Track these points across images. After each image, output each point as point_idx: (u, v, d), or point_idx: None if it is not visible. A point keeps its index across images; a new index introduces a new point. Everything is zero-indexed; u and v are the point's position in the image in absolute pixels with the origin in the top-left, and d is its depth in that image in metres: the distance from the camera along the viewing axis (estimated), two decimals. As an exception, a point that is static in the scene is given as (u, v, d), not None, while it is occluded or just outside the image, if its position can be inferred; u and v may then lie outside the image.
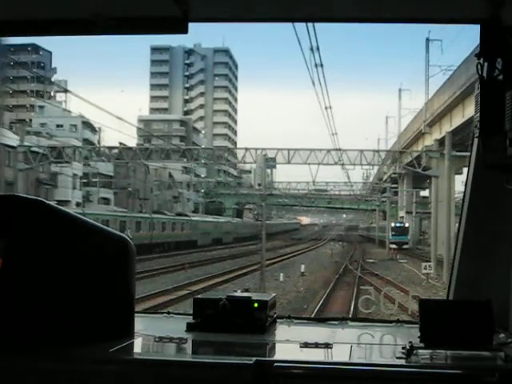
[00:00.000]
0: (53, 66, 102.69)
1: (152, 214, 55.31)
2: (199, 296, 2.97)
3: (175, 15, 2.39)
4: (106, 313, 2.55)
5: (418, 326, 2.46)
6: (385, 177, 73.30)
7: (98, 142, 63.87)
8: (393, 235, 59.04)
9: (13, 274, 2.45)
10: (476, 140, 2.67)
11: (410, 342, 2.38)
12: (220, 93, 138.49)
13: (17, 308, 2.45)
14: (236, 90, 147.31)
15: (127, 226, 47.10)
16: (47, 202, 2.61)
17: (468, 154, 3.00)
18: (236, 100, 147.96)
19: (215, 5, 2.44)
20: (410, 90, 68.71)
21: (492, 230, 2.86)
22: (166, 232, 54.19)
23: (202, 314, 2.80)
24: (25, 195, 2.63)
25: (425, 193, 72.81)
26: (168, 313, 3.19)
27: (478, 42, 2.52)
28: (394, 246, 55.48)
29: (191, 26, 2.47)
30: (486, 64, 2.51)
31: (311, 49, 14.69)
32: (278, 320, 3.01)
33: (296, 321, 3.07)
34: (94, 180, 60.67)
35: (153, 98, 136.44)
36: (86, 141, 69.48)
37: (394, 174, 64.77)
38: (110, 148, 49.87)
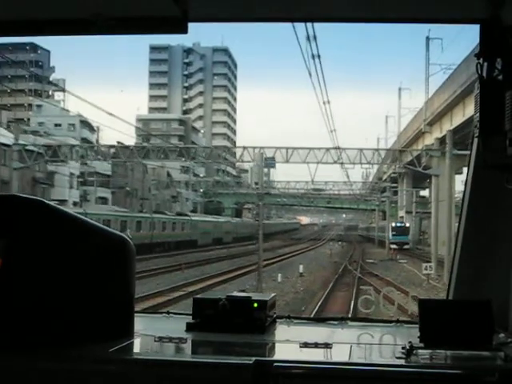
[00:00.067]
0: (51, 64, 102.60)
1: (152, 213, 55.46)
2: (199, 296, 2.97)
3: (175, 15, 2.39)
4: (106, 313, 2.54)
5: (417, 325, 2.44)
6: (384, 176, 73.11)
7: (97, 142, 63.50)
8: (393, 235, 58.66)
9: (13, 274, 2.44)
10: (476, 140, 2.66)
11: (410, 342, 2.37)
12: (219, 92, 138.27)
13: (17, 308, 2.44)
14: (235, 89, 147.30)
15: (128, 225, 47.33)
16: (47, 202, 2.60)
17: (469, 152, 2.97)
18: (235, 99, 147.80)
19: (215, 5, 2.45)
20: (409, 88, 68.70)
21: (492, 229, 2.86)
22: (166, 232, 54.41)
23: (202, 314, 2.80)
24: (25, 195, 2.63)
25: (424, 192, 72.67)
26: (168, 313, 3.18)
27: (478, 40, 2.52)
28: (394, 247, 55.14)
29: (190, 24, 2.48)
30: (485, 64, 2.50)
31: (307, 38, 14.21)
32: (277, 320, 3.01)
33: (296, 321, 3.07)
34: (91, 179, 60.32)
35: (152, 98, 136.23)
36: (84, 140, 69.09)
37: (394, 173, 64.62)
38: (106, 146, 49.57)
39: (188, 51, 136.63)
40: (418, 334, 2.42)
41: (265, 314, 2.80)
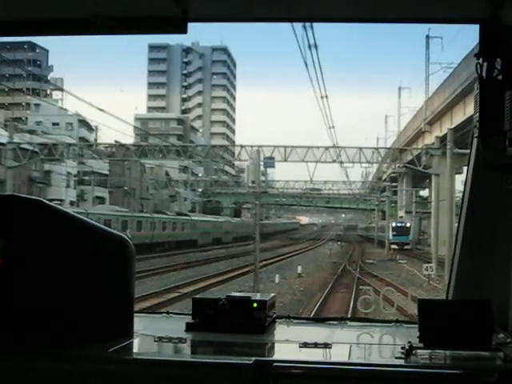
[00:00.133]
0: (49, 63, 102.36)
1: (153, 213, 55.66)
2: (198, 296, 2.98)
3: (175, 15, 2.40)
4: (106, 313, 2.54)
5: (417, 325, 2.44)
6: (384, 176, 72.85)
7: (95, 141, 63.18)
8: (394, 235, 58.24)
9: (12, 274, 2.45)
10: (475, 140, 2.66)
11: (409, 342, 2.37)
12: (218, 91, 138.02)
13: (16, 308, 2.44)
14: (234, 88, 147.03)
15: (129, 225, 47.51)
16: (47, 202, 2.60)
17: (469, 151, 2.96)
18: (234, 98, 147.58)
19: (215, 5, 2.46)
20: (409, 88, 68.34)
21: (492, 229, 2.86)
22: (166, 231, 54.62)
23: (202, 314, 2.80)
24: (24, 195, 2.62)
25: (424, 192, 72.36)
26: (167, 313, 3.18)
27: (478, 39, 2.52)
28: (394, 247, 54.72)
29: (190, 24, 2.47)
30: (485, 64, 2.50)
31: (304, 26, 13.70)
32: (277, 320, 3.01)
33: (295, 321, 3.08)
34: (85, 178, 60.00)
35: (150, 97, 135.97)
36: (82, 139, 68.82)
37: (394, 173, 64.44)
38: (101, 144, 49.18)
39: (187, 50, 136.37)
40: (418, 334, 2.41)
41: (264, 314, 2.81)
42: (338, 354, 2.45)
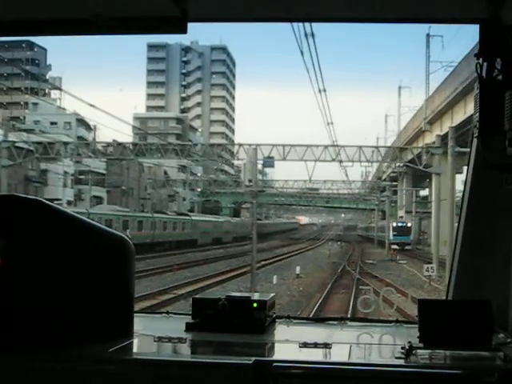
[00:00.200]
0: (48, 62, 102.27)
1: (153, 213, 55.97)
2: (198, 296, 2.98)
3: (174, 15, 2.41)
4: (106, 312, 2.55)
5: (417, 325, 2.44)
6: (384, 176, 72.53)
7: (93, 140, 62.87)
8: (394, 235, 57.78)
9: (12, 274, 2.45)
10: (475, 140, 2.67)
11: (409, 342, 2.37)
12: (217, 91, 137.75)
13: (16, 308, 2.45)
14: (233, 87, 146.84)
15: (130, 225, 47.90)
16: (46, 202, 2.59)
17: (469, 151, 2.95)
18: (233, 98, 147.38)
19: (214, 5, 2.46)
20: (409, 87, 68.08)
21: (492, 229, 2.85)
22: (167, 231, 54.89)
23: (201, 314, 2.80)
24: (24, 195, 2.63)
25: (423, 192, 72.07)
26: (167, 313, 3.18)
27: (478, 37, 2.51)
28: (395, 247, 54.26)
29: (189, 23, 2.48)
30: (485, 64, 2.51)
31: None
32: (277, 320, 3.01)
33: (295, 321, 3.08)
34: (81, 177, 59.73)
35: (149, 96, 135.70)
36: (81, 138, 68.55)
37: (394, 172, 64.13)
38: (98, 143, 48.83)
39: (186, 49, 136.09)
40: (418, 334, 2.41)
41: (264, 314, 2.81)
42: (338, 354, 2.45)
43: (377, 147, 43.60)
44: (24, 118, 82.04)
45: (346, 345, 2.57)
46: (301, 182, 71.36)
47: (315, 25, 14.86)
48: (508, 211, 2.78)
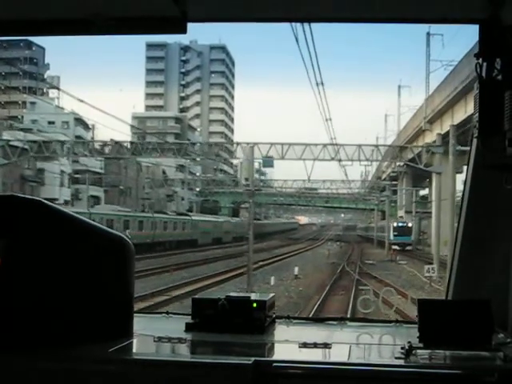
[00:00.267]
0: (46, 61, 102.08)
1: (154, 213, 56.42)
2: (198, 296, 2.99)
3: (174, 15, 2.41)
4: (105, 313, 2.55)
5: (416, 325, 2.44)
6: (384, 175, 72.24)
7: (92, 139, 62.55)
8: (395, 235, 57.30)
9: (12, 274, 2.46)
10: (475, 140, 2.68)
11: (409, 342, 2.38)
12: (216, 90, 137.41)
13: (16, 308, 2.45)
14: (233, 87, 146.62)
15: (130, 225, 48.37)
16: (46, 202, 2.61)
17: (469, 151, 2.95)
18: (233, 97, 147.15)
19: (214, 5, 2.46)
20: (409, 86, 67.77)
21: (491, 229, 2.85)
22: (167, 231, 55.23)
23: (201, 314, 2.80)
24: (23, 195, 2.64)
25: (423, 192, 71.75)
26: (167, 313, 3.18)
27: (478, 36, 2.50)
28: (396, 247, 53.79)
29: (189, 23, 2.48)
30: (485, 64, 2.50)
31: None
32: (276, 320, 3.01)
33: (295, 321, 3.07)
34: (78, 176, 59.41)
35: (148, 95, 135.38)
36: (79, 138, 68.28)
37: (394, 172, 63.86)
38: (94, 142, 48.52)
39: (185, 49, 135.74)
40: (417, 334, 2.40)
41: (264, 314, 2.81)
42: (338, 354, 2.45)
43: (376, 146, 43.19)
44: (22, 117, 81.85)
45: (345, 345, 2.57)
46: (300, 182, 71.05)
47: (314, 24, 14.36)
48: (508, 211, 2.78)
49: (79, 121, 74.44)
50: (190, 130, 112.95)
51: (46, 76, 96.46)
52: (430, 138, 47.02)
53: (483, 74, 2.51)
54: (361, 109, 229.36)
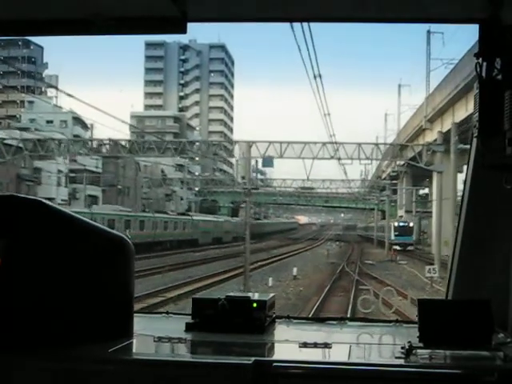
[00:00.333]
0: (44, 60, 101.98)
1: (155, 213, 56.75)
2: (198, 296, 2.99)
3: (174, 15, 2.43)
4: (105, 313, 2.56)
5: (416, 325, 2.46)
6: (384, 175, 71.94)
7: (88, 138, 62.24)
8: (396, 235, 56.80)
9: (12, 274, 2.47)
10: (475, 140, 2.70)
11: (409, 342, 2.39)
12: (216, 89, 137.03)
13: (16, 308, 2.46)
14: (232, 86, 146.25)
15: (132, 224, 48.81)
16: (46, 202, 2.62)
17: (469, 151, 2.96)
18: (232, 97, 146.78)
19: (214, 5, 2.48)
20: (409, 85, 67.43)
21: (491, 229, 2.86)
22: (168, 231, 55.62)
23: (201, 314, 2.81)
24: (23, 195, 2.65)
25: (423, 191, 71.38)
26: (167, 313, 3.19)
27: (478, 34, 2.52)
28: (397, 248, 53.24)
29: (189, 23, 2.49)
30: (484, 64, 2.52)
31: None
32: (276, 320, 3.02)
33: (295, 321, 3.08)
34: (73, 175, 59.11)
35: (147, 95, 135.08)
36: (77, 137, 67.99)
37: (394, 172, 63.51)
38: (90, 140, 48.21)
39: (184, 48, 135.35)
40: (418, 334, 2.41)
41: (264, 314, 2.81)
42: (338, 354, 2.47)
43: (376, 144, 42.66)
44: (20, 116, 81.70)
45: (345, 345, 2.58)
46: (299, 181, 70.70)
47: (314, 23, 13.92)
48: (508, 211, 2.79)
49: (77, 120, 74.28)
50: (188, 130, 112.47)
51: (44, 75, 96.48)
52: (430, 137, 46.84)
53: (483, 74, 2.51)
54: (360, 108, 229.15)
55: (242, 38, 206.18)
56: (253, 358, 2.26)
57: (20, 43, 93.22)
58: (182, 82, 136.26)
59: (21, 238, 2.49)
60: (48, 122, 72.80)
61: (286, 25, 14.79)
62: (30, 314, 2.46)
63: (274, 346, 2.69)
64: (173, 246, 53.83)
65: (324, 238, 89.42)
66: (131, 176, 64.76)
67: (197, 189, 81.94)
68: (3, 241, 2.47)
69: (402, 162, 49.95)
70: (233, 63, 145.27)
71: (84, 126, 74.19)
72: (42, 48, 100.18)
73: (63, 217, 2.60)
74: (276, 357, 2.54)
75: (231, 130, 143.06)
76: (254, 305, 2.80)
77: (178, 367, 2.29)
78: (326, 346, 2.51)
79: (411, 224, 59.38)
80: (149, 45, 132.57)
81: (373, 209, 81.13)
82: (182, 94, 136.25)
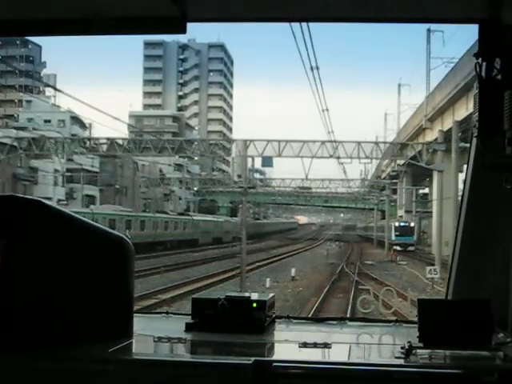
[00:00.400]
0: (42, 59, 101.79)
1: (155, 213, 57.05)
2: (197, 296, 3.00)
3: (174, 15, 2.44)
4: (105, 313, 2.57)
5: (416, 325, 2.46)
6: (383, 174, 71.66)
7: (84, 137, 61.90)
8: (396, 235, 56.34)
9: (12, 274, 2.48)
10: (475, 139, 2.71)
11: (409, 342, 2.40)
12: (215, 89, 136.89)
13: (16, 308, 2.47)
14: (231, 86, 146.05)
15: (132, 224, 48.96)
16: (46, 202, 2.63)
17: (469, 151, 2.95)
18: (231, 96, 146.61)
19: (214, 5, 2.49)
20: (409, 84, 67.19)
21: (491, 229, 2.87)
22: (168, 231, 55.79)
23: (201, 314, 2.82)
24: (23, 195, 2.65)
25: (422, 191, 71.08)
26: (167, 313, 3.19)
27: (478, 34, 2.54)
28: (397, 248, 52.76)
29: (189, 23, 2.50)
30: (484, 64, 2.52)
31: None
32: (276, 320, 3.02)
33: (295, 321, 3.09)
34: (69, 174, 58.79)
35: (146, 94, 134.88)
36: (75, 137, 67.72)
37: (394, 171, 63.19)
38: (88, 139, 47.88)
39: (183, 47, 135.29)
40: (417, 334, 2.41)
41: (264, 314, 2.82)
42: (338, 354, 2.48)
43: (376, 143, 42.13)
44: (18, 115, 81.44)
45: (345, 345, 2.59)
46: (298, 181, 70.34)
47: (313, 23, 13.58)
48: (508, 211, 2.79)
49: (76, 119, 74.02)
50: (187, 129, 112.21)
51: (42, 74, 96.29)
52: (430, 136, 46.62)
53: (483, 74, 2.50)
54: (360, 108, 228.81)
55: (241, 38, 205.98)
56: (253, 358, 2.26)
57: (18, 42, 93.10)
58: (180, 81, 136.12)
59: (21, 238, 2.50)
60: (46, 121, 72.59)
61: (286, 25, 14.66)
62: (30, 314, 2.46)
63: (274, 346, 2.70)
64: (173, 246, 54.03)
65: (323, 238, 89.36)
66: (129, 175, 64.45)
67: (195, 188, 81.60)
68: (3, 241, 2.47)
69: (402, 162, 49.51)
70: (232, 63, 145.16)
71: (82, 125, 73.93)
72: (40, 47, 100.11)
73: (63, 217, 2.61)
74: (276, 357, 2.54)
75: (230, 129, 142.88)
76: (254, 305, 2.80)
77: (177, 367, 2.30)
78: (326, 346, 2.51)
79: (412, 224, 58.93)
80: (148, 44, 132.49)
81: (372, 209, 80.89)
82: (180, 93, 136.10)
